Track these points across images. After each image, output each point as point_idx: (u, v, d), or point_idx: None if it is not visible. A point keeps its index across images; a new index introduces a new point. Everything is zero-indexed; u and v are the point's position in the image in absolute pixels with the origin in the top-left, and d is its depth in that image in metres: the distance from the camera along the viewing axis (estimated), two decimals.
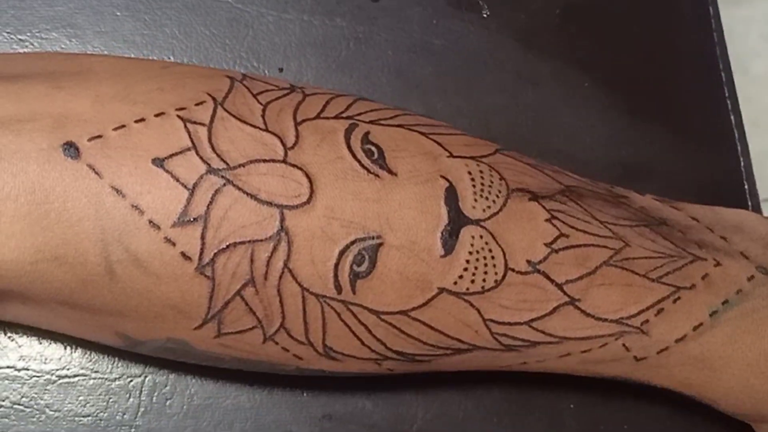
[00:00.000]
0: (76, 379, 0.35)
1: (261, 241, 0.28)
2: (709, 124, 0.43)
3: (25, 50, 0.37)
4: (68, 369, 0.35)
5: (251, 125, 0.29)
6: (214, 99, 0.30)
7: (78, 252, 0.28)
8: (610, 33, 0.44)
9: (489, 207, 0.31)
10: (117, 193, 0.28)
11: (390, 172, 0.30)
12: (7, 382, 0.34)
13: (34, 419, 0.34)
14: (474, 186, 0.31)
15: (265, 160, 0.29)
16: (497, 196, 0.31)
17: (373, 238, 0.29)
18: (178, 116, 0.29)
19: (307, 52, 0.39)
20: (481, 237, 0.31)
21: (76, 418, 0.34)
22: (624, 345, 0.32)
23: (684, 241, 0.34)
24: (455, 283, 0.30)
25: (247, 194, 0.28)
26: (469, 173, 0.31)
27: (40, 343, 0.35)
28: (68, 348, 0.35)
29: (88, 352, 0.35)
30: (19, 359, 0.34)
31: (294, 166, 0.29)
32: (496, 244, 0.31)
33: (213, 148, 0.29)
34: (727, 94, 0.44)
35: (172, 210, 0.28)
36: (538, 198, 0.32)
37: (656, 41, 0.44)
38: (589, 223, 0.33)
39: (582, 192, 0.34)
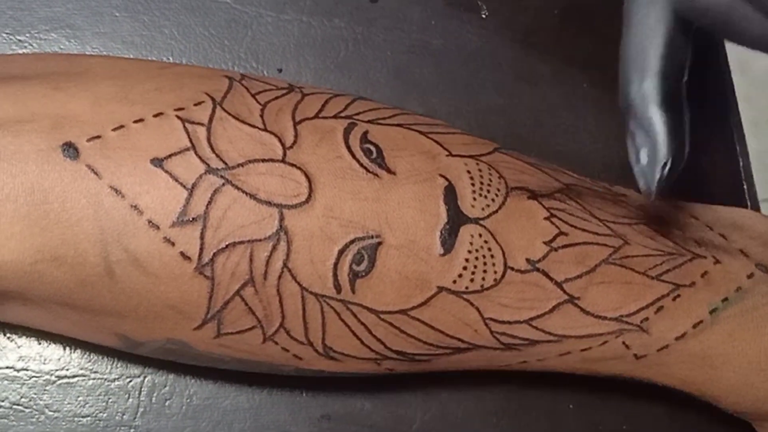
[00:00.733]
0: (76, 379, 0.35)
1: (260, 240, 0.28)
2: (708, 124, 0.43)
3: (24, 51, 0.37)
4: (67, 369, 0.35)
5: (250, 125, 0.29)
6: (212, 99, 0.30)
7: (77, 252, 0.28)
8: (610, 33, 0.43)
9: (488, 206, 0.31)
10: (116, 193, 0.28)
11: (389, 171, 0.30)
12: (6, 382, 0.34)
13: (34, 419, 0.34)
14: (473, 185, 0.31)
15: (263, 160, 0.29)
16: (496, 195, 0.31)
17: (372, 237, 0.29)
18: (177, 116, 0.29)
19: (306, 52, 0.39)
20: (480, 236, 0.31)
21: (76, 419, 0.34)
22: (624, 343, 0.32)
23: (683, 239, 0.34)
24: (454, 281, 0.30)
25: (246, 194, 0.28)
26: (468, 172, 0.31)
27: (40, 344, 0.35)
28: (67, 348, 0.35)
29: (88, 353, 0.35)
30: (19, 360, 0.34)
31: (293, 165, 0.29)
32: (495, 243, 0.31)
33: (212, 148, 0.29)
34: (726, 94, 0.44)
35: (171, 210, 0.28)
36: (537, 196, 0.32)
37: None
38: (588, 221, 0.33)
39: (581, 190, 0.34)
